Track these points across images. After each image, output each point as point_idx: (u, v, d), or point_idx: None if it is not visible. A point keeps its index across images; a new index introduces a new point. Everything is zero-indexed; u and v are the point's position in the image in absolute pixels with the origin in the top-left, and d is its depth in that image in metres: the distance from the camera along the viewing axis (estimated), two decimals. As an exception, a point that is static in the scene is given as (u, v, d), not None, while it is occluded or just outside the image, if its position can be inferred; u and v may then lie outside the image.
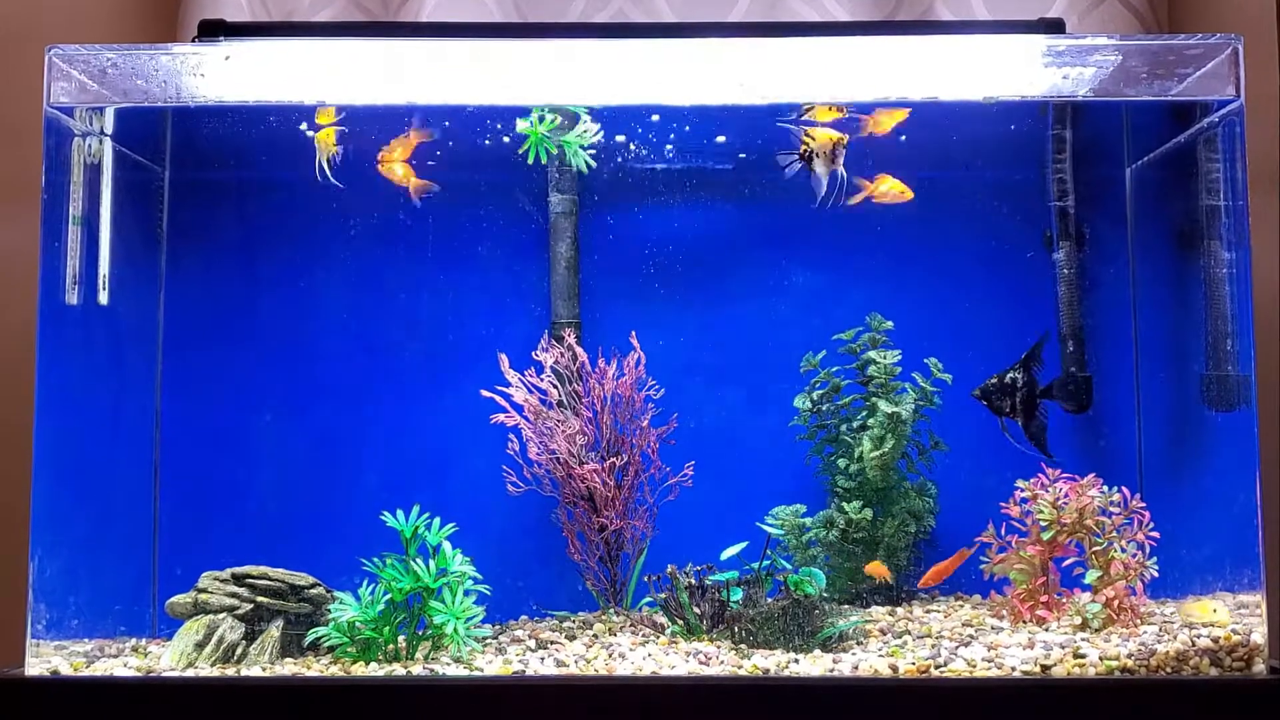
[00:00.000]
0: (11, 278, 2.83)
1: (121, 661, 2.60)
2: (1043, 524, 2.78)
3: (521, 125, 2.89)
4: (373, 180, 3.07)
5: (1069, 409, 3.08)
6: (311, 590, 2.70)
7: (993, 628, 2.74)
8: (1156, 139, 2.98)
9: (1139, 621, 2.66)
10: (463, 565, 2.66)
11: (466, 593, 2.64)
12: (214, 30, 2.85)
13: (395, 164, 2.91)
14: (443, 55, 2.78)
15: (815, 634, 2.63)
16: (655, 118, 3.04)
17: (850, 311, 3.11)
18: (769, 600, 2.71)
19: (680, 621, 2.77)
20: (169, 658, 2.57)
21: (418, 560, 2.64)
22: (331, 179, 2.90)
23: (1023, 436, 2.99)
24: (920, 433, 3.09)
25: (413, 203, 3.02)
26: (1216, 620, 2.53)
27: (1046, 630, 2.68)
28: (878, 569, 2.90)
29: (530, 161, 2.89)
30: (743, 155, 3.11)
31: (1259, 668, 2.44)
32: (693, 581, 2.80)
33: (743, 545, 2.87)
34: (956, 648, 2.55)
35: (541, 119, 2.87)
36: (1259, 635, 2.47)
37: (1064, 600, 2.77)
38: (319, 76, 2.81)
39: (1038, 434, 2.99)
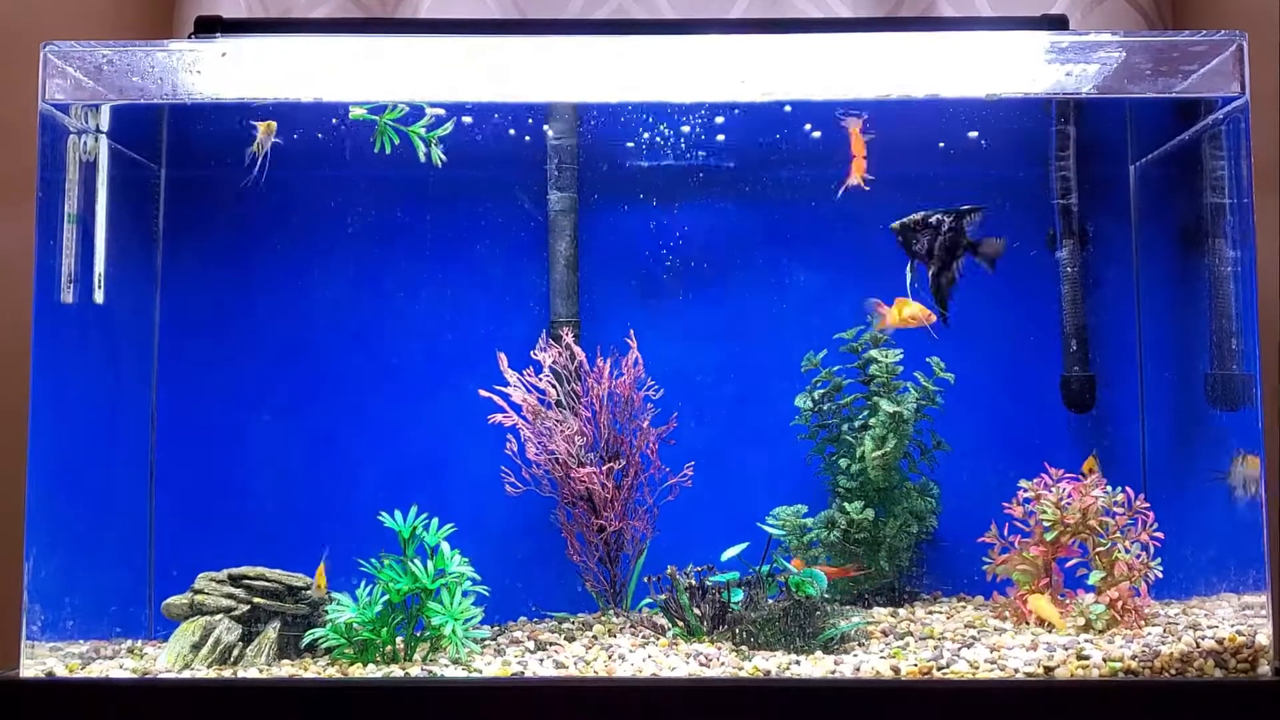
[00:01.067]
0: (7, 276, 2.80)
1: (117, 663, 2.59)
2: (1046, 524, 2.77)
3: (356, 112, 2.81)
4: (374, 179, 3.06)
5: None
6: (309, 591, 2.68)
7: (995, 629, 2.72)
8: (1160, 136, 2.97)
9: (1143, 622, 2.64)
10: (461, 566, 2.64)
11: (465, 594, 2.63)
12: (210, 26, 2.83)
13: None
14: (440, 52, 2.76)
15: (816, 635, 2.61)
16: (643, 115, 3.03)
17: (851, 310, 3.09)
18: (770, 601, 2.69)
19: (680, 623, 2.76)
20: (165, 659, 2.56)
21: (416, 561, 2.62)
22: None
23: (927, 286, 2.83)
24: (922, 432, 3.07)
25: (410, 201, 2.98)
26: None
27: (1050, 631, 2.66)
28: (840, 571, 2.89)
29: (376, 150, 2.81)
30: (744, 153, 3.09)
31: (1264, 669, 2.42)
32: (693, 582, 2.78)
33: (743, 546, 2.85)
34: (959, 649, 2.53)
35: (388, 108, 2.79)
36: (1264, 636, 2.45)
37: (1067, 601, 2.75)
38: (316, 73, 2.80)
39: (945, 287, 2.83)
